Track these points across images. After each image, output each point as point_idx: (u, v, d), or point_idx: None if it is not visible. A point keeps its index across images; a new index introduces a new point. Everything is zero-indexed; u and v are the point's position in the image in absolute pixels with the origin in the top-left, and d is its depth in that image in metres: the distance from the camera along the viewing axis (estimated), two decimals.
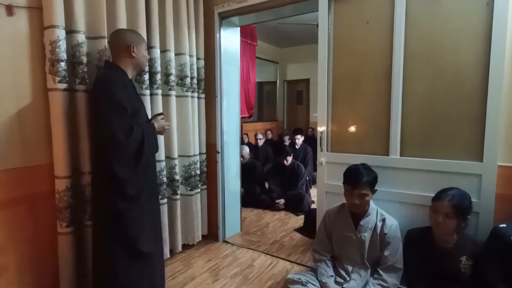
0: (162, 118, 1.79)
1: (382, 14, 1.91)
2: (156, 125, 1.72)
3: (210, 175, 2.78)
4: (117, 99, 1.51)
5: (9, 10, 1.60)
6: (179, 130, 2.43)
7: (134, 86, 1.80)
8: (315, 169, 4.50)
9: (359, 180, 1.70)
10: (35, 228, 1.75)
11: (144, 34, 2.06)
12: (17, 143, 1.66)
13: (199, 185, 2.65)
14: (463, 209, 1.50)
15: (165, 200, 2.31)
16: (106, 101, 1.52)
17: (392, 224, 1.74)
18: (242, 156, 3.71)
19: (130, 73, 1.73)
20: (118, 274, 1.59)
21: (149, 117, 1.89)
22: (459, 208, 1.48)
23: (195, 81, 2.54)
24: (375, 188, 1.78)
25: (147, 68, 2.10)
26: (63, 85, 1.69)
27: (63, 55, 1.67)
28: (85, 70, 1.77)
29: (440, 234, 1.56)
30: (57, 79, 1.66)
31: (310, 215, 3.02)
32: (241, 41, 3.68)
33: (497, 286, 1.39)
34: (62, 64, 1.67)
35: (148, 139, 1.58)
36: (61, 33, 1.65)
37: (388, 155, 1.92)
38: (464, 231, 1.56)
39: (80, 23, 1.75)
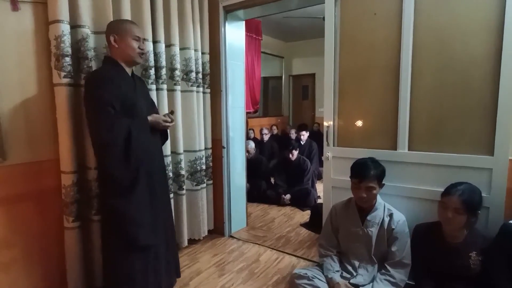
0: (167, 115, 1.75)
1: (390, 5, 1.86)
2: (150, 118, 1.64)
3: (215, 170, 2.78)
4: (98, 97, 1.49)
5: (14, 5, 1.60)
6: (184, 125, 2.43)
7: (134, 80, 1.71)
8: (321, 165, 4.49)
9: (366, 173, 1.68)
10: (42, 223, 1.77)
11: (149, 28, 2.06)
12: (23, 138, 1.67)
13: (205, 180, 2.65)
14: (473, 204, 1.47)
15: (171, 195, 2.31)
16: (89, 101, 1.55)
17: (400, 219, 1.72)
18: (247, 151, 3.70)
19: (127, 66, 1.66)
20: (120, 268, 1.62)
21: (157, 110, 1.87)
22: (469, 204, 1.45)
23: (200, 75, 2.53)
24: (383, 182, 1.75)
25: (152, 63, 2.09)
26: (69, 80, 1.69)
27: (68, 50, 1.67)
28: (90, 65, 1.76)
29: (449, 230, 1.53)
30: (62, 74, 1.66)
31: (316, 210, 3.01)
32: (246, 35, 3.66)
33: (504, 284, 1.36)
34: (67, 59, 1.67)
35: (136, 133, 1.52)
36: (65, 28, 1.65)
37: (396, 149, 1.89)
38: (474, 226, 1.53)
39: (85, 17, 1.74)
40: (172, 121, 1.76)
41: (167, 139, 1.99)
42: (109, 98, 1.49)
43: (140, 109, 1.65)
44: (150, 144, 1.65)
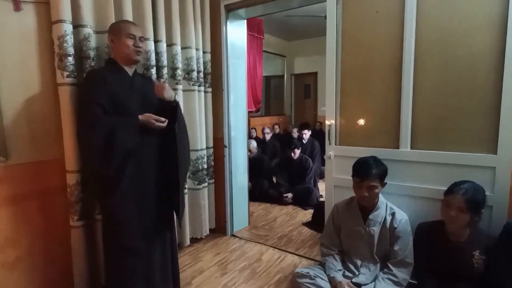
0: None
1: (392, 3, 1.85)
2: (141, 117, 1.56)
3: (217, 169, 2.78)
4: (85, 95, 1.56)
5: (17, 5, 1.60)
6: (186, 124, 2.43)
7: (132, 79, 1.67)
8: (323, 163, 4.49)
9: (368, 172, 1.67)
10: (47, 222, 1.78)
11: (150, 28, 2.07)
12: (28, 137, 1.68)
13: (207, 179, 2.65)
14: (477, 203, 1.46)
15: None
16: (80, 98, 1.63)
17: (402, 218, 1.71)
18: (249, 150, 3.70)
19: (125, 65, 1.65)
20: (113, 268, 1.64)
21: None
22: (473, 202, 1.44)
23: (201, 75, 2.53)
24: (385, 181, 1.75)
25: (153, 62, 2.10)
26: (72, 80, 1.69)
27: (71, 50, 1.67)
28: (93, 64, 1.77)
29: (453, 229, 1.52)
30: (65, 73, 1.67)
31: (318, 209, 3.00)
32: (248, 34, 3.66)
33: (508, 283, 1.36)
34: (70, 59, 1.67)
35: (119, 132, 1.47)
36: (68, 28, 1.65)
37: (398, 148, 1.88)
38: (477, 225, 1.52)
39: (87, 17, 1.75)
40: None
41: (173, 140, 1.74)
42: (95, 97, 1.50)
43: (134, 108, 1.59)
44: (137, 144, 1.56)
